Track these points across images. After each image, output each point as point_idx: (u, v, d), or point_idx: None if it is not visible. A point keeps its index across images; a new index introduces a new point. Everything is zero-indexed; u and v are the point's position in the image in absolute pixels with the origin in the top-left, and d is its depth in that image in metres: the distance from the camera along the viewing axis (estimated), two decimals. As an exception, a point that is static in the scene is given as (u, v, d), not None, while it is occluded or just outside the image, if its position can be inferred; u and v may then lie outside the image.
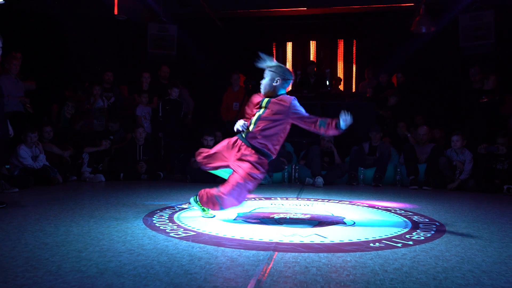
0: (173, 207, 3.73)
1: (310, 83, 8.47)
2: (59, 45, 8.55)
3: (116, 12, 7.70)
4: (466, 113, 6.88)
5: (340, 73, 10.12)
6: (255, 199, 4.41)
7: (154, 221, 3.02)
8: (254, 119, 3.05)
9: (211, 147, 6.11)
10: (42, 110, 6.94)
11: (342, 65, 10.16)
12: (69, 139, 6.61)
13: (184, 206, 3.79)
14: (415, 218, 3.37)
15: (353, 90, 9.94)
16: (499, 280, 1.80)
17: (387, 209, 3.83)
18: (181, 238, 2.49)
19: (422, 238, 2.62)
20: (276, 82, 3.05)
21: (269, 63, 3.11)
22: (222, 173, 3.23)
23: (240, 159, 2.97)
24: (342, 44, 10.19)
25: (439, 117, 7.55)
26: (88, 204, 3.83)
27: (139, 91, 7.61)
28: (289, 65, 10.29)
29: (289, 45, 10.38)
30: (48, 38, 8.33)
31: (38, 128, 5.76)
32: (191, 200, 3.26)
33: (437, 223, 3.13)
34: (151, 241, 2.41)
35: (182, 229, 2.75)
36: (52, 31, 8.39)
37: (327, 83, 8.97)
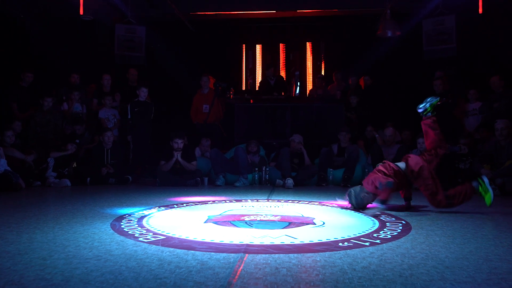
0: (143, 211, 3.67)
1: (270, 85, 8.56)
2: (20, 45, 8.23)
3: (82, 12, 7.50)
4: None
5: (309, 76, 10.25)
6: (226, 201, 4.40)
7: (123, 226, 2.96)
8: None
9: (181, 149, 6.12)
10: None
11: (311, 67, 10.30)
12: (33, 144, 6.39)
13: (153, 210, 3.74)
14: (382, 217, 3.45)
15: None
16: (461, 275, 1.87)
17: (355, 209, 3.90)
18: (151, 243, 2.45)
19: (389, 236, 2.68)
20: None
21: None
22: None
23: None
24: (311, 47, 10.34)
25: (407, 119, 7.76)
26: (52, 210, 3.70)
27: (101, 94, 7.47)
28: (259, 67, 10.36)
29: (259, 48, 10.44)
30: (8, 38, 8.01)
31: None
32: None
33: (403, 222, 3.22)
34: (119, 247, 2.36)
35: (152, 234, 2.71)
36: (13, 31, 8.07)
37: (298, 83, 9.06)
